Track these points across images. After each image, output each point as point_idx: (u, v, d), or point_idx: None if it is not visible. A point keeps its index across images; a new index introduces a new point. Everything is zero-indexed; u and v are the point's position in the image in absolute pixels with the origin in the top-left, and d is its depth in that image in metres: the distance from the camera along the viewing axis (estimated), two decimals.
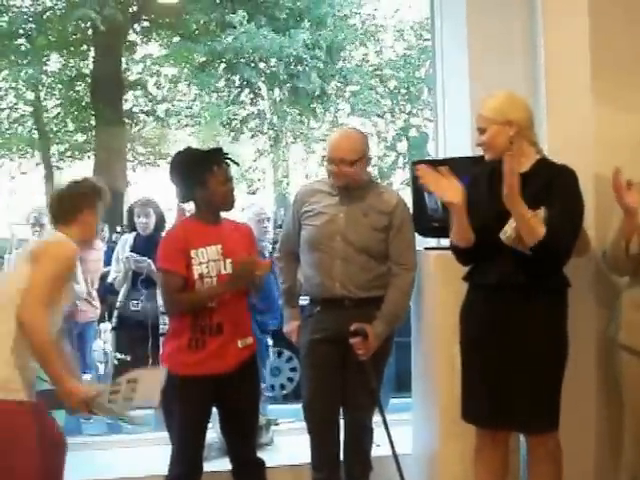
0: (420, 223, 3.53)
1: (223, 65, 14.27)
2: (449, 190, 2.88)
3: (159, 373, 2.95)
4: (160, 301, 4.85)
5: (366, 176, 3.47)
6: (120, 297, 5.12)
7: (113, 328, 5.19)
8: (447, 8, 4.14)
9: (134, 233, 5.22)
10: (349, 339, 3.24)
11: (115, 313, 5.19)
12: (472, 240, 2.91)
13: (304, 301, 3.61)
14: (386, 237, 3.36)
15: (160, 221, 5.21)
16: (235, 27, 12.76)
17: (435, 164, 3.03)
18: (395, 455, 3.31)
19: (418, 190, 3.57)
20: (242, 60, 13.93)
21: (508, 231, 2.81)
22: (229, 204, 3.19)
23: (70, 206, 2.89)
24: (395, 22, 15.58)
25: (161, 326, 4.97)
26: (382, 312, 3.33)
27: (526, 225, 2.76)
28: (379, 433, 3.44)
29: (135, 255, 5.01)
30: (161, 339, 4.92)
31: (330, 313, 3.36)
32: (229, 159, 3.19)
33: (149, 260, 4.89)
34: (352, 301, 3.34)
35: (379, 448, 3.53)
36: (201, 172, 3.09)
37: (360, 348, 3.24)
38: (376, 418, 3.43)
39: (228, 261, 3.10)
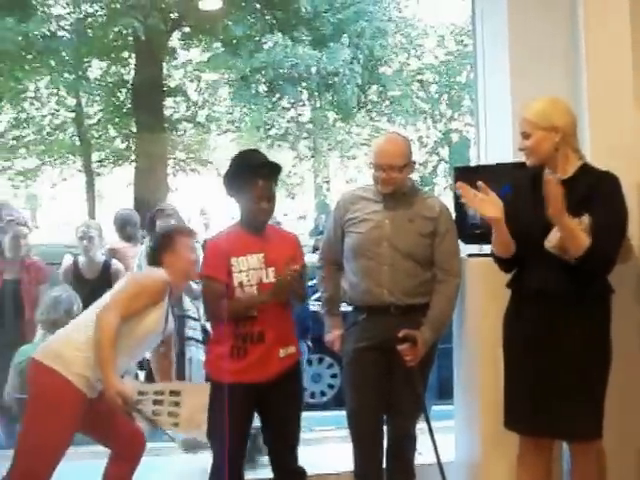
0: (462, 229, 3.51)
1: (262, 76, 14.26)
2: (488, 205, 2.85)
3: (203, 390, 3.00)
4: (186, 306, 4.96)
5: (409, 182, 3.46)
6: None
7: None
8: (488, 12, 4.13)
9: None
10: (397, 346, 3.21)
11: None
12: (513, 250, 2.90)
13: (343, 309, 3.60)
14: (431, 243, 3.34)
15: None
16: (273, 45, 12.74)
17: (476, 170, 3.00)
18: (440, 463, 3.28)
19: (460, 197, 3.56)
20: (281, 74, 13.92)
21: (553, 240, 2.78)
22: (258, 222, 3.20)
23: (153, 254, 3.22)
24: (435, 28, 15.52)
25: (186, 330, 5.01)
26: (428, 318, 3.30)
27: (572, 237, 2.73)
28: (421, 441, 3.43)
29: None
30: (186, 344, 4.97)
31: (376, 320, 3.33)
32: (275, 175, 3.18)
33: None
34: (398, 308, 3.31)
35: (421, 456, 3.51)
36: (244, 181, 3.11)
37: (408, 355, 3.22)
38: (418, 426, 3.41)
39: (270, 270, 3.11)
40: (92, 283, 5.04)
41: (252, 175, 3.10)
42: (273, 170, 3.18)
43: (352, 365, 3.42)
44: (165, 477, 3.77)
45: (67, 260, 5.23)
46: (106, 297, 3.11)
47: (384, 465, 3.42)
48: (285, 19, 13.11)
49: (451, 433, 3.79)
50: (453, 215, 3.52)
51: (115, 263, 5.25)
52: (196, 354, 4.98)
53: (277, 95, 14.98)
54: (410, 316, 3.29)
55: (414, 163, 3.45)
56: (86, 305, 4.47)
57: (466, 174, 3.70)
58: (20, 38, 11.92)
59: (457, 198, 3.58)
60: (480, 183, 2.84)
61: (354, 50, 13.21)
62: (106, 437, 3.19)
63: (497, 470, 3.33)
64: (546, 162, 2.91)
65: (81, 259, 5.19)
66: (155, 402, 2.91)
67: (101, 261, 5.18)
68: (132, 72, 14.40)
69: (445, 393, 4.35)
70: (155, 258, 3.18)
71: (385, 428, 3.44)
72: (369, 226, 3.36)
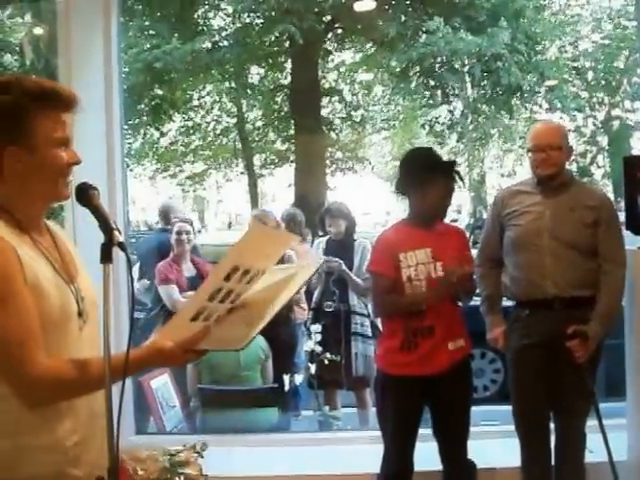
0: (632, 220, 3.41)
1: (418, 69, 14.21)
2: None
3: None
4: (353, 301, 5.10)
5: (568, 172, 3.42)
6: (314, 298, 5.30)
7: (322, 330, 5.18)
8: None
9: (327, 237, 5.38)
10: (565, 342, 3.16)
11: (310, 314, 5.36)
12: None
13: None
14: (594, 232, 3.25)
15: (351, 226, 5.33)
16: (432, 32, 12.68)
17: None
18: (612, 462, 3.20)
19: (630, 187, 3.44)
20: (438, 64, 13.82)
21: None
22: (437, 218, 3.24)
23: None
24: (591, 11, 14.87)
25: (352, 325, 5.11)
26: (597, 312, 3.22)
27: None
28: (590, 438, 3.34)
29: (326, 256, 5.14)
30: (352, 338, 5.08)
31: (539, 316, 3.30)
32: (458, 175, 3.21)
33: (340, 261, 5.05)
34: (562, 302, 3.24)
35: (591, 454, 3.40)
36: (425, 178, 3.13)
37: (578, 350, 3.16)
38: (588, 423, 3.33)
39: (439, 264, 3.13)
40: None
41: (438, 173, 3.13)
42: (449, 167, 3.20)
43: (516, 364, 3.41)
44: (340, 466, 3.87)
45: None
46: None
47: (552, 462, 3.37)
48: (438, 12, 13.00)
49: (621, 431, 3.66)
50: (622, 205, 3.42)
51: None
52: (362, 349, 5.10)
53: (432, 89, 14.86)
54: (574, 311, 3.22)
55: (571, 149, 3.42)
56: None
57: (637, 163, 3.59)
58: (186, 56, 12.54)
59: (628, 185, 3.48)
60: None
61: (514, 31, 12.90)
62: None
63: None
64: None
65: None
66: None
67: None
68: (288, 76, 14.80)
69: (612, 390, 4.22)
70: None
71: (553, 426, 3.39)
72: (529, 218, 3.33)
